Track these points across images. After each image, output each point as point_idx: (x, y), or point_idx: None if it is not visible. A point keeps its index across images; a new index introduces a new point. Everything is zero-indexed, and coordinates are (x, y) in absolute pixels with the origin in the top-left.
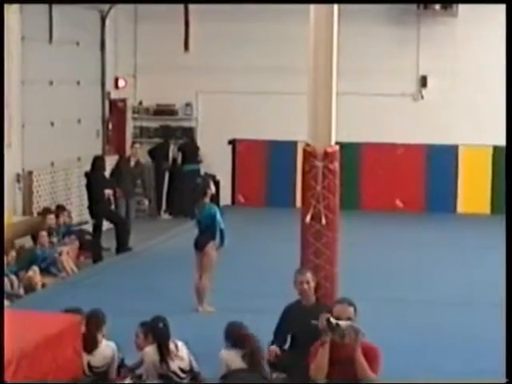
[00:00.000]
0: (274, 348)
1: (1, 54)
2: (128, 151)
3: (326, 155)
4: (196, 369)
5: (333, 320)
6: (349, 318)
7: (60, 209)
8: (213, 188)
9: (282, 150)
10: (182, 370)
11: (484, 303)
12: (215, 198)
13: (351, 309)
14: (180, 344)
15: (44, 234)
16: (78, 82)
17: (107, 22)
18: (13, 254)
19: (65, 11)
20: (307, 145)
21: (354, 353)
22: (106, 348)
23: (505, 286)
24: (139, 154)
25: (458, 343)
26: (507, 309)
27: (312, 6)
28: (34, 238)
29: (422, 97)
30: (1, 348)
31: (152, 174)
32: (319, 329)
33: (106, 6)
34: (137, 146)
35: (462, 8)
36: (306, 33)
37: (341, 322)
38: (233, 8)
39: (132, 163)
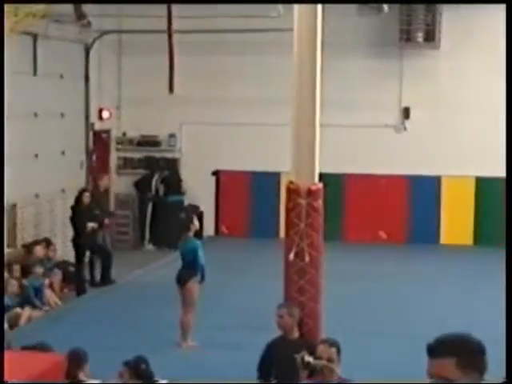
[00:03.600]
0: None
1: (1, 53)
2: (105, 181)
3: (310, 193)
4: None
5: (307, 358)
6: (329, 359)
7: (47, 241)
8: (196, 223)
9: (265, 181)
10: None
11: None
12: (199, 233)
13: (333, 349)
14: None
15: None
16: (63, 114)
17: (91, 54)
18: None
19: (49, 44)
20: (291, 182)
21: None
22: None
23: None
24: (107, 184)
25: None
26: (507, 309)
27: (295, 39)
28: (23, 271)
29: (405, 128)
30: (1, 348)
31: (136, 205)
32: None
33: (90, 39)
34: (106, 176)
35: (444, 40)
36: (290, 65)
37: (315, 361)
38: (217, 40)
39: (100, 193)
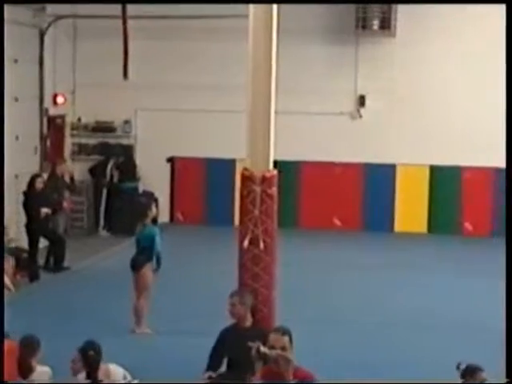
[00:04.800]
0: (210, 374)
1: (1, 54)
2: (65, 167)
3: (264, 180)
4: None
5: (262, 349)
6: (283, 348)
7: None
8: (154, 210)
9: (220, 168)
10: None
11: (418, 324)
12: (155, 220)
13: (286, 338)
14: (113, 368)
15: None
16: (16, 99)
17: (46, 38)
18: None
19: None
20: (245, 169)
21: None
22: (41, 375)
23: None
24: (68, 169)
25: (393, 363)
26: (507, 309)
27: (251, 25)
28: None
29: (361, 116)
30: (1, 347)
31: (91, 191)
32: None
33: (44, 23)
34: (67, 163)
35: (400, 29)
36: (245, 51)
37: (270, 352)
38: (172, 26)
39: (67, 179)
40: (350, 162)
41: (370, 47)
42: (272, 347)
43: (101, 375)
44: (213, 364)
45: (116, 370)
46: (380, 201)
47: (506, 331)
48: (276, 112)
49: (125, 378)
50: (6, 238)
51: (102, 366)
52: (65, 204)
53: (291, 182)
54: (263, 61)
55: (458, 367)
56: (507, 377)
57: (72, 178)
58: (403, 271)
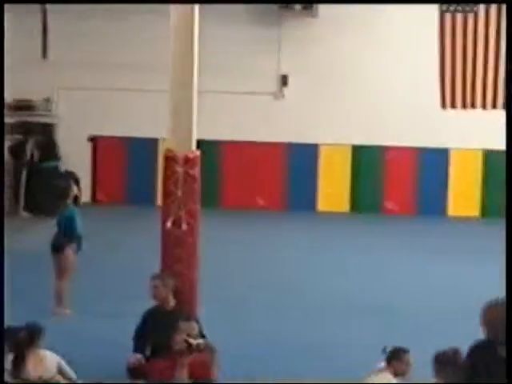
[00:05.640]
0: (139, 356)
1: (1, 53)
2: None
3: (187, 161)
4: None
5: (192, 341)
6: (202, 335)
7: None
8: (75, 189)
9: (142, 147)
10: (44, 381)
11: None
12: (76, 200)
13: (195, 324)
14: (48, 354)
15: None
16: None
17: None
18: None
19: None
20: (168, 150)
21: (209, 371)
22: None
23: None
24: None
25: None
26: (507, 308)
27: (173, 5)
28: None
29: (283, 96)
30: (1, 347)
31: (10, 171)
32: (175, 350)
33: None
34: None
35: (322, 9)
36: (167, 30)
37: (198, 341)
38: (93, 4)
39: None
40: (273, 142)
41: (293, 27)
42: (189, 336)
43: (33, 361)
44: (139, 346)
45: (50, 357)
46: (303, 180)
47: (506, 331)
48: (199, 91)
49: (59, 365)
50: None
51: (38, 352)
52: None
53: (214, 161)
54: (185, 39)
55: (383, 350)
56: (507, 377)
57: None
58: (326, 252)
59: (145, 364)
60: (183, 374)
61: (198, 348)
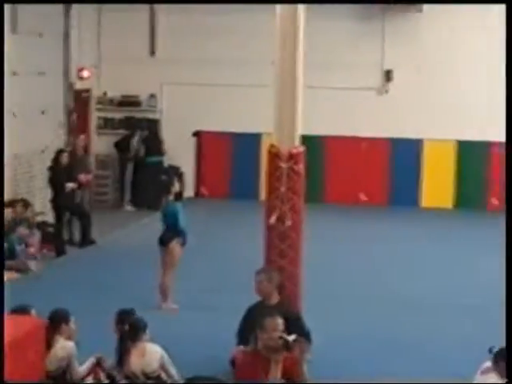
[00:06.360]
0: (242, 349)
1: (1, 53)
2: (80, 141)
3: (291, 156)
4: (165, 377)
5: (287, 337)
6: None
7: (25, 202)
8: (177, 185)
9: (245, 142)
10: (145, 374)
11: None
12: (179, 195)
13: (282, 321)
14: (150, 347)
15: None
16: (42, 73)
17: (71, 12)
18: None
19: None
20: (272, 146)
21: (297, 366)
22: (60, 351)
23: (505, 285)
24: (82, 144)
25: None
26: (507, 308)
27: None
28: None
29: (387, 91)
30: (1, 348)
31: (116, 166)
32: (272, 347)
33: None
34: (81, 137)
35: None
36: (273, 25)
37: (292, 338)
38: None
39: (80, 153)
40: (377, 137)
41: (397, 21)
42: (273, 330)
43: (136, 354)
44: (240, 341)
45: (153, 349)
46: (406, 176)
47: (506, 330)
48: (303, 86)
49: (162, 358)
50: (32, 213)
51: (139, 344)
52: (82, 177)
53: (317, 156)
54: (291, 35)
55: (490, 351)
56: (507, 377)
57: (85, 152)
58: (430, 245)
59: (246, 358)
60: (278, 372)
61: (294, 345)
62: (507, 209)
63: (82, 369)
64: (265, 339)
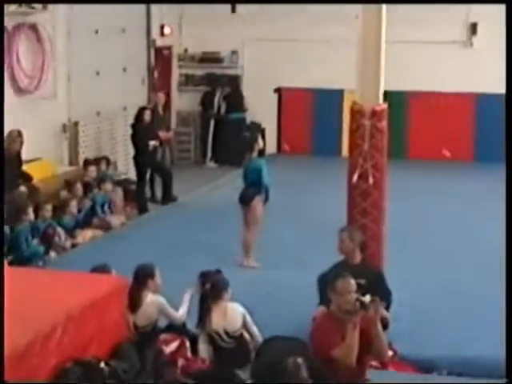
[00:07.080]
0: (323, 309)
1: (1, 53)
2: (159, 99)
3: (374, 114)
4: (248, 337)
5: (363, 299)
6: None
7: (107, 160)
8: (260, 143)
9: (327, 99)
10: (228, 334)
11: None
12: (262, 152)
13: (353, 281)
14: (232, 307)
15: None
16: (124, 30)
17: None
18: (48, 207)
19: None
20: (355, 103)
21: (372, 326)
22: (150, 306)
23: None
24: (162, 102)
25: None
26: (507, 308)
27: None
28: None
29: (472, 44)
30: (1, 348)
31: (198, 123)
32: (349, 310)
33: None
34: (160, 94)
35: None
36: None
37: (367, 298)
38: None
39: (160, 111)
40: (461, 92)
41: None
42: (345, 292)
43: (217, 313)
44: (324, 300)
45: (235, 308)
46: (492, 131)
47: (506, 330)
48: (387, 41)
49: (244, 317)
50: (114, 170)
51: (221, 303)
52: (163, 135)
53: (400, 112)
54: None
55: None
56: (507, 377)
57: (164, 109)
58: None
59: (321, 320)
60: (355, 336)
61: (369, 306)
62: (507, 195)
63: (181, 310)
64: (340, 302)
